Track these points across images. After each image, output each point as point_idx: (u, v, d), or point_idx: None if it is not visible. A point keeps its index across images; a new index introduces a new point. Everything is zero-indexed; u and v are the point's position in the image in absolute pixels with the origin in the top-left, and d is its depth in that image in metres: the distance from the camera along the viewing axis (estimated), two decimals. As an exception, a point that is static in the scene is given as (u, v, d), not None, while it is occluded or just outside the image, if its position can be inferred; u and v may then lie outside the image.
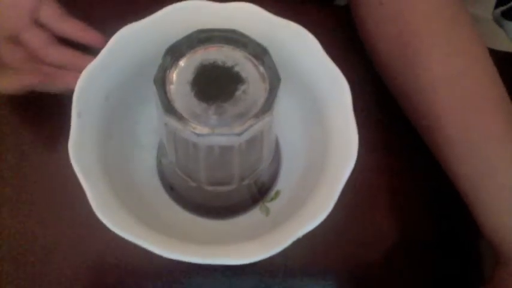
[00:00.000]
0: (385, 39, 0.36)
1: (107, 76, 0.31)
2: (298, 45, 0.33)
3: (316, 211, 0.29)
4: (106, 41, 0.31)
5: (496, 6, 0.45)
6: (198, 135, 0.25)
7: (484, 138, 0.32)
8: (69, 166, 0.28)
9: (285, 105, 0.33)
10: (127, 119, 0.34)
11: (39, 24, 0.36)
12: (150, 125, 0.34)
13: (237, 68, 0.27)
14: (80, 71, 0.29)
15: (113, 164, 0.32)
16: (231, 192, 0.33)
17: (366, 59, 0.40)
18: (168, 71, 0.26)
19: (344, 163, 0.30)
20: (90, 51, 0.35)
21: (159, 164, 0.35)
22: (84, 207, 0.27)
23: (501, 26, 0.45)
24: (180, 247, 0.28)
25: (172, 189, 0.34)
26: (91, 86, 0.30)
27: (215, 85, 0.26)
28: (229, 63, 0.27)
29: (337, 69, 0.32)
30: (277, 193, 0.36)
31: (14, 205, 0.38)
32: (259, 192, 0.36)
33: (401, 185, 0.40)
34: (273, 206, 0.36)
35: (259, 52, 0.27)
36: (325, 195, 0.30)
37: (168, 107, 0.25)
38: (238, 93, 0.26)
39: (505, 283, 0.33)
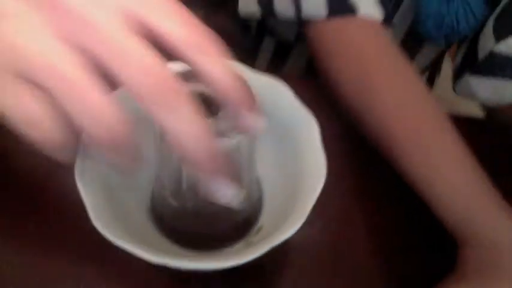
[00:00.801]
0: (346, 81, 0.44)
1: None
2: (273, 93, 0.39)
3: (291, 224, 0.33)
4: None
5: (458, 75, 0.53)
6: None
7: (434, 148, 0.40)
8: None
9: (265, 149, 0.38)
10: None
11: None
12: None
13: None
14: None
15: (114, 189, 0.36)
16: (215, 219, 0.37)
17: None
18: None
19: (314, 185, 0.34)
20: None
21: (152, 197, 0.39)
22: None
23: (469, 93, 0.52)
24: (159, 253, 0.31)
25: (161, 220, 0.38)
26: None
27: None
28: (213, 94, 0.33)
29: (306, 110, 0.38)
30: (260, 228, 0.39)
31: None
32: (243, 228, 0.39)
33: (377, 207, 0.44)
34: (255, 239, 0.39)
35: None
36: (299, 211, 0.34)
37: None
38: (220, 114, 0.31)
39: (477, 263, 0.37)
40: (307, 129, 0.37)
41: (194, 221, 0.37)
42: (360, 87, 0.43)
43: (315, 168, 0.36)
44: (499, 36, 0.46)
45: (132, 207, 0.38)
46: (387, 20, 0.47)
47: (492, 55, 0.47)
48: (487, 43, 0.48)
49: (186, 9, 0.23)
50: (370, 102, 0.42)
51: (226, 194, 0.25)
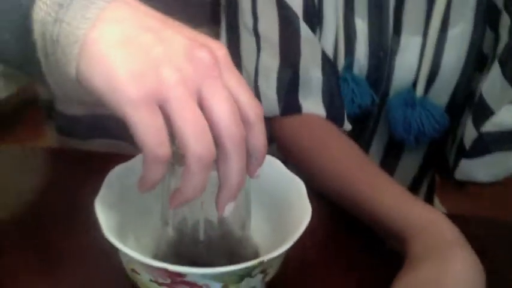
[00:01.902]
0: (302, 154, 0.58)
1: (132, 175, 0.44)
2: (266, 165, 0.46)
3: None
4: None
5: (455, 164, 0.62)
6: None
7: (373, 179, 0.52)
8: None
9: (260, 213, 0.44)
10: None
11: None
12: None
13: None
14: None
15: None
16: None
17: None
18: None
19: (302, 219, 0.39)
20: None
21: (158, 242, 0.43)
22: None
23: (469, 176, 0.60)
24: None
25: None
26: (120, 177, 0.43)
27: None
28: None
29: (293, 174, 0.45)
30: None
31: None
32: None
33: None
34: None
35: None
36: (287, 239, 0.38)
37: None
38: None
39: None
40: (295, 188, 0.44)
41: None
42: (314, 154, 0.57)
43: (301, 213, 0.41)
44: (479, 126, 0.57)
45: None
46: (339, 120, 0.61)
47: (482, 137, 0.57)
48: (471, 135, 0.59)
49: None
50: (323, 161, 0.56)
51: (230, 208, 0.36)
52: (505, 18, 0.57)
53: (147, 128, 0.31)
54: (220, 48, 0.34)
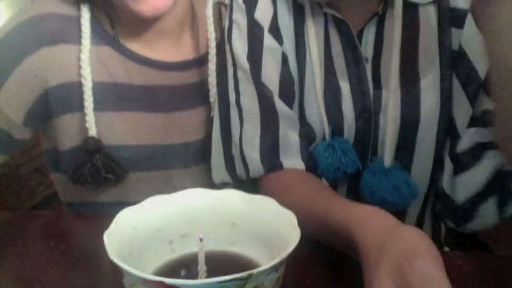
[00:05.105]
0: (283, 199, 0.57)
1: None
2: (263, 203, 0.51)
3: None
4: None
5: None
6: None
7: (332, 201, 0.58)
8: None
9: (259, 240, 0.49)
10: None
11: None
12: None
13: None
14: None
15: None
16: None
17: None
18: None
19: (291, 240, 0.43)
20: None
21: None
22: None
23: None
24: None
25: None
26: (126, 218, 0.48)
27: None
28: None
29: (286, 209, 0.49)
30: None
31: None
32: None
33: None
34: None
35: None
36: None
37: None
38: None
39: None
40: (288, 219, 0.48)
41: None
42: (290, 197, 0.61)
43: (292, 238, 0.44)
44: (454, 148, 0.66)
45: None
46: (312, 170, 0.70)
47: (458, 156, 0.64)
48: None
49: None
50: (295, 199, 0.61)
51: None
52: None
53: None
54: None
